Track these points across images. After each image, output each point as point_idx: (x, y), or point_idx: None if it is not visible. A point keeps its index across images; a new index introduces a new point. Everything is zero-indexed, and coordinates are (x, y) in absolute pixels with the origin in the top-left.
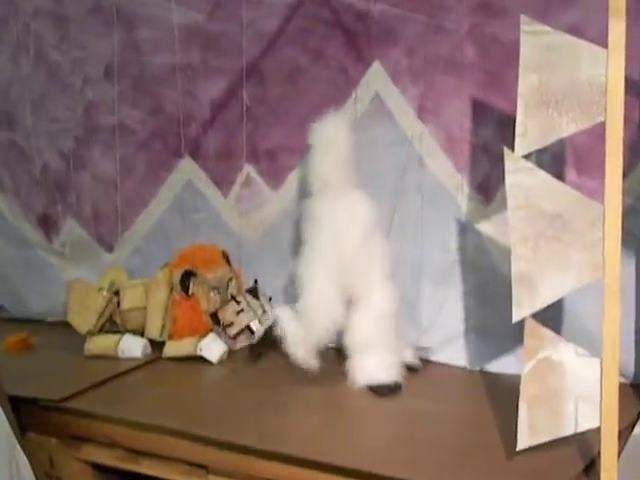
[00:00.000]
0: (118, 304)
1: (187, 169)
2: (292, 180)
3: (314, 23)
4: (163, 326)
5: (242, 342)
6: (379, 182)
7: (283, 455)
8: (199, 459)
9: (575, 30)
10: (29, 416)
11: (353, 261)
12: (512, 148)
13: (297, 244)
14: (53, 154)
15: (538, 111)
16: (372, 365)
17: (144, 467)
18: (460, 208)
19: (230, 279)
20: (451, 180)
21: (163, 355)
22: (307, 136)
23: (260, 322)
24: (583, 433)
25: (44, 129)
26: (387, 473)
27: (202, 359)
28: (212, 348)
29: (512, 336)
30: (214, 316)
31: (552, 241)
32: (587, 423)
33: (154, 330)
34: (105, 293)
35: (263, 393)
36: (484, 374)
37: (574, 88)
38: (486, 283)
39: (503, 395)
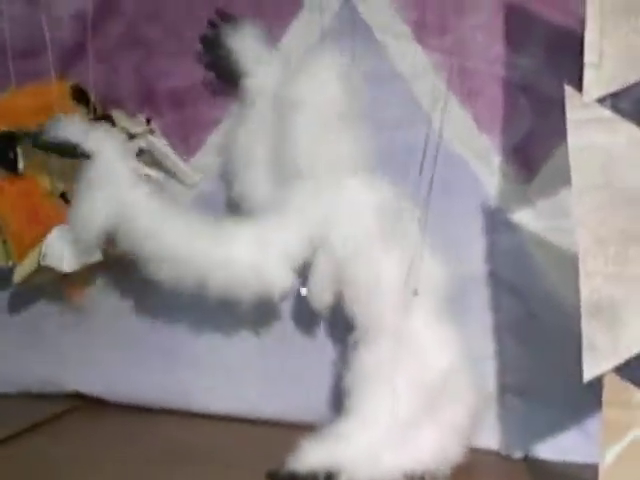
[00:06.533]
0: None
1: None
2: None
3: None
4: (4, 243)
5: None
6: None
7: None
8: None
9: None
10: None
11: None
12: (576, 86)
13: None
14: None
15: (621, 26)
16: None
17: None
18: (485, 188)
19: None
20: (472, 144)
21: (14, 282)
22: None
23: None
24: None
25: None
26: None
27: None
28: (57, 249)
29: (577, 402)
30: (65, 197)
31: None
32: None
33: None
34: None
35: None
36: (531, 463)
37: None
38: (530, 314)
39: None
